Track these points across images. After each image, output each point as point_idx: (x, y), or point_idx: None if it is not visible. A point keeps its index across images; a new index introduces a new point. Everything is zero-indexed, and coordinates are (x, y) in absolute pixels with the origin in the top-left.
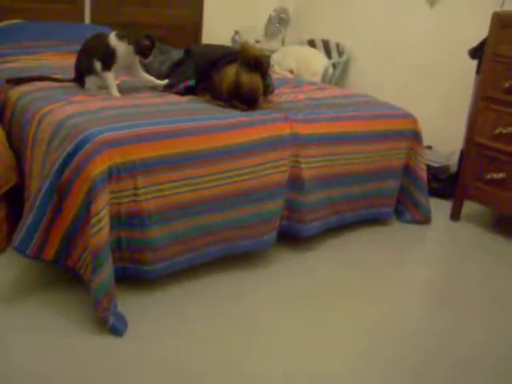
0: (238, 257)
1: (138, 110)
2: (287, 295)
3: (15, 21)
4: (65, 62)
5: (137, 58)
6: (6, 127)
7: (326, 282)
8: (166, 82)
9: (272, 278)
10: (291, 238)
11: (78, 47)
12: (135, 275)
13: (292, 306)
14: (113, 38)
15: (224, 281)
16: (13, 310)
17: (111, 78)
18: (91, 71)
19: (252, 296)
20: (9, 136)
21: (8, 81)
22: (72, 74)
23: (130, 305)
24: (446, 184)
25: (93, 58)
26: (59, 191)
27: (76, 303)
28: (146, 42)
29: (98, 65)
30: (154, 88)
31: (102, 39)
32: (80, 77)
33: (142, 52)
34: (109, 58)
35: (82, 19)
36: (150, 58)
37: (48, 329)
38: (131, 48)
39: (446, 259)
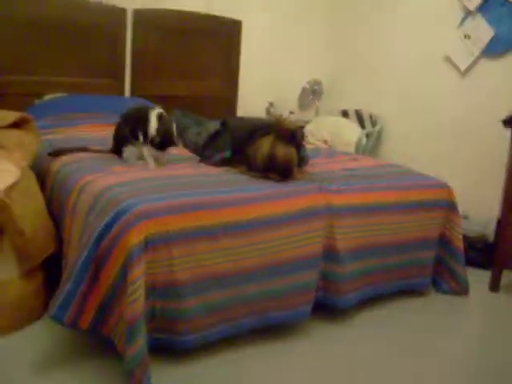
0: (272, 329)
1: (173, 181)
2: (323, 368)
3: (58, 94)
4: (103, 133)
5: None
6: (47, 196)
7: (363, 357)
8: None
9: (306, 352)
10: (327, 309)
11: (116, 119)
12: (169, 345)
13: (327, 380)
14: (153, 117)
15: (259, 352)
16: (46, 378)
17: (148, 151)
18: (131, 142)
19: (287, 369)
20: (49, 204)
21: (50, 154)
22: (109, 145)
23: (163, 376)
24: (484, 253)
25: (136, 129)
26: (96, 261)
27: (110, 372)
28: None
29: (141, 137)
30: (189, 159)
31: (143, 113)
32: (118, 147)
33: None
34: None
35: (122, 92)
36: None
37: None
38: (173, 126)
39: (483, 332)
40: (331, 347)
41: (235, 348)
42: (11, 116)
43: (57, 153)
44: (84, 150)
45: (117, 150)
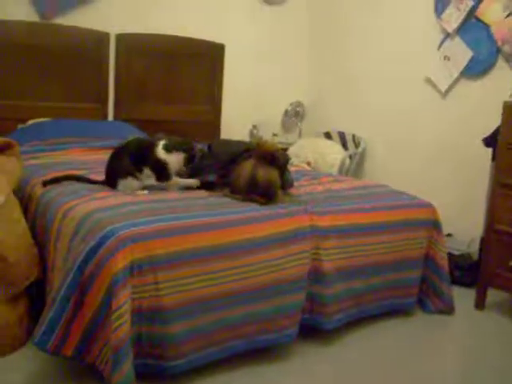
0: (259, 351)
1: (158, 204)
2: None
3: (41, 119)
4: (87, 158)
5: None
6: (30, 221)
7: (348, 376)
8: (197, 181)
9: (295, 373)
10: (314, 330)
11: (101, 143)
12: (156, 371)
13: None
14: (162, 153)
15: (246, 376)
16: None
17: (172, 185)
18: (130, 174)
19: None
20: (32, 230)
21: (45, 182)
22: (95, 169)
23: None
24: (469, 272)
25: (141, 164)
26: (81, 286)
27: None
28: (196, 152)
29: (148, 172)
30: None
31: (149, 149)
32: (112, 179)
33: (191, 160)
34: (165, 173)
35: (105, 117)
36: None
37: None
38: (181, 157)
39: (469, 351)
40: (320, 367)
41: (224, 370)
42: None
43: (52, 181)
44: (79, 179)
45: (110, 181)
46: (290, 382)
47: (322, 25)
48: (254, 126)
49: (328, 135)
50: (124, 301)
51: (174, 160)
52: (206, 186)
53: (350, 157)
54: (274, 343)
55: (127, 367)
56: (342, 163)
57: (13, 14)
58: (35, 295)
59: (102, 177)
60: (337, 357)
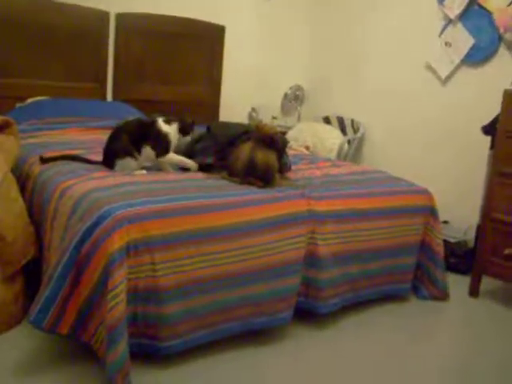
0: (253, 333)
1: (156, 186)
2: (302, 373)
3: (39, 98)
4: (86, 138)
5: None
6: (27, 199)
7: (343, 360)
8: (194, 164)
9: (288, 355)
10: (309, 314)
11: (99, 123)
12: (150, 351)
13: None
14: (163, 125)
15: (239, 357)
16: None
17: (167, 160)
18: (128, 154)
19: (272, 372)
20: (30, 208)
21: (42, 159)
22: (93, 149)
23: (143, 381)
24: (464, 259)
25: (141, 143)
26: (77, 265)
27: (91, 378)
28: (189, 120)
29: (148, 151)
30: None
31: (150, 126)
32: (110, 159)
33: (186, 130)
34: (165, 145)
35: (104, 96)
36: (189, 137)
37: None
38: (177, 127)
39: (462, 337)
40: (315, 350)
41: (218, 352)
42: None
43: (49, 159)
44: (77, 159)
45: (108, 162)
46: (284, 364)
47: (324, 8)
48: (254, 109)
49: (327, 120)
50: (120, 281)
51: (174, 130)
52: (203, 168)
53: (349, 142)
54: (268, 326)
55: (122, 347)
56: (341, 148)
57: None
58: (31, 274)
59: (100, 157)
60: (331, 341)
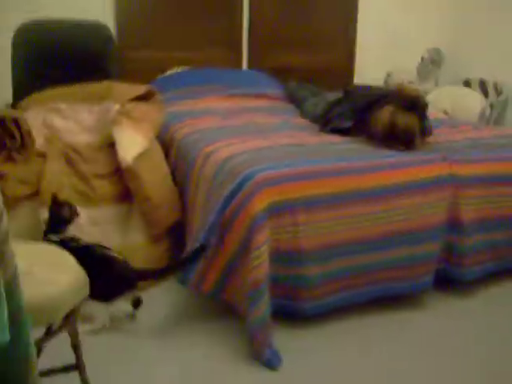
0: (392, 298)
1: (295, 149)
2: (442, 343)
3: (179, 68)
4: (225, 105)
5: None
6: (171, 165)
7: (485, 331)
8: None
9: (427, 324)
10: (450, 281)
11: (237, 91)
12: (290, 312)
13: (444, 352)
14: None
15: (377, 322)
16: (167, 339)
17: None
18: None
19: (405, 339)
20: (173, 173)
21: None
22: (229, 115)
23: (284, 340)
24: None
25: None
26: (221, 227)
27: (232, 335)
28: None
29: None
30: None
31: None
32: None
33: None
34: None
35: (239, 65)
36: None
37: (201, 361)
38: None
39: None
40: (452, 321)
41: (354, 317)
42: (139, 89)
43: None
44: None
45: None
46: (421, 334)
47: None
48: (389, 74)
49: (467, 83)
50: (263, 241)
51: None
52: (342, 131)
53: (491, 105)
54: (408, 291)
55: (264, 306)
56: (482, 113)
57: None
58: (176, 235)
59: (238, 121)
60: (471, 310)
